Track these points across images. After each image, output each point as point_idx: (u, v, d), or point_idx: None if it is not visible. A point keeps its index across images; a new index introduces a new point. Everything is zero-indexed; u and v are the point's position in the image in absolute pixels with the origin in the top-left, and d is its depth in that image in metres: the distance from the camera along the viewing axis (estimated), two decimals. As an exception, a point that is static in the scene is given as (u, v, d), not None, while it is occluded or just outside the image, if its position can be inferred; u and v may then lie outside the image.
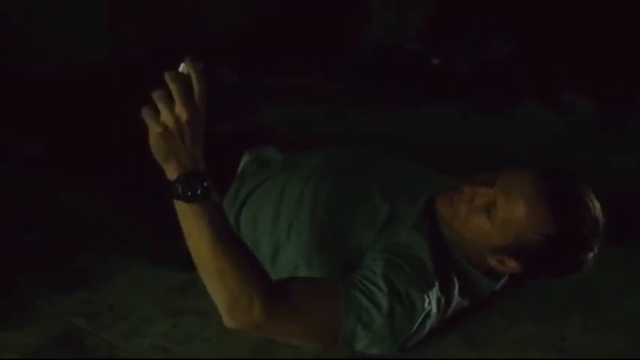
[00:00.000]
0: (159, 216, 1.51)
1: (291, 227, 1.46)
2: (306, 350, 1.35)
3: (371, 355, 1.32)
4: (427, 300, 1.31)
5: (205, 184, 1.19)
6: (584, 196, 1.32)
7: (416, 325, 1.31)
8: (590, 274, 1.37)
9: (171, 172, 1.19)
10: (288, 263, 1.44)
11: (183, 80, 1.17)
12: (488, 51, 2.84)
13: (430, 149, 2.05)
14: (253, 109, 2.23)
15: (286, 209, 1.48)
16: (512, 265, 1.36)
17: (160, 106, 1.17)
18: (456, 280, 1.38)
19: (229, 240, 1.23)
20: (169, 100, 1.17)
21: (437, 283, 1.33)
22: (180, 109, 1.17)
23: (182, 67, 1.19)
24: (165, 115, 1.17)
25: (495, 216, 1.32)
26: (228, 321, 1.24)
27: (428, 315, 1.32)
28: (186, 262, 1.28)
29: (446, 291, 1.35)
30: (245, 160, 1.68)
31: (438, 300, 1.34)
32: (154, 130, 1.18)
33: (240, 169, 1.66)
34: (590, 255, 1.34)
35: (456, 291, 1.38)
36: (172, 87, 1.16)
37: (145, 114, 1.18)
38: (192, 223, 1.21)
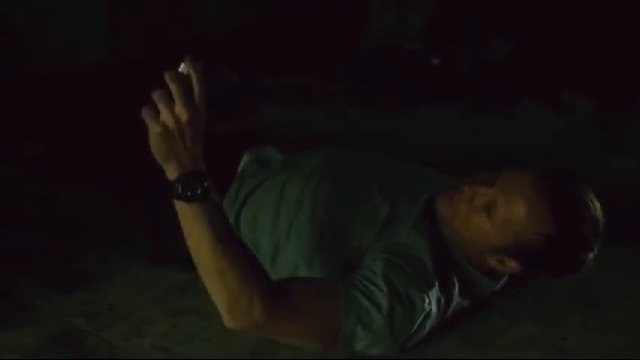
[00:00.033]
0: (159, 216, 1.51)
1: (291, 227, 1.46)
2: (306, 350, 1.35)
3: (371, 355, 1.32)
4: (427, 300, 1.31)
5: (205, 184, 1.19)
6: (584, 196, 1.33)
7: (416, 325, 1.31)
8: (590, 274, 1.37)
9: (172, 172, 1.19)
10: (288, 263, 1.44)
11: (184, 80, 1.17)
12: (488, 51, 2.84)
13: (430, 149, 2.05)
14: (253, 109, 2.23)
15: (286, 209, 1.48)
16: (512, 265, 1.36)
17: (160, 106, 1.17)
18: (456, 280, 1.38)
19: (229, 240, 1.23)
20: (169, 100, 1.17)
21: (437, 283, 1.33)
22: (180, 109, 1.17)
23: (182, 67, 1.19)
24: (165, 115, 1.17)
25: (495, 216, 1.32)
26: (228, 321, 1.24)
27: (428, 315, 1.32)
28: (186, 262, 1.28)
29: (446, 291, 1.35)
30: (245, 160, 1.68)
31: (438, 300, 1.34)
32: (154, 130, 1.18)
33: (240, 169, 1.66)
34: (590, 255, 1.34)
35: (456, 291, 1.38)
36: (172, 87, 1.16)
37: (145, 114, 1.18)
38: (192, 223, 1.21)
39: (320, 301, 1.28)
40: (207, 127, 1.21)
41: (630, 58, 2.66)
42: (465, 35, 2.88)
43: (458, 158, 2.03)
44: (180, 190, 1.18)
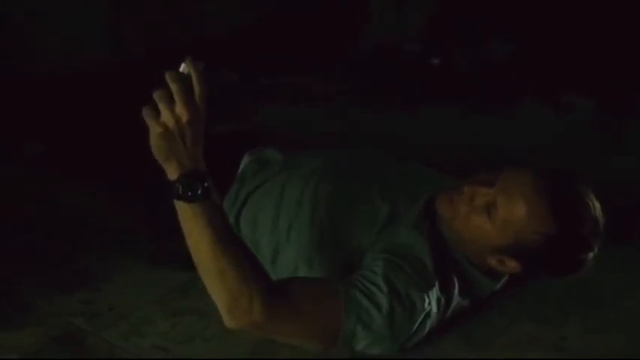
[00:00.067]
0: (159, 216, 1.51)
1: (291, 228, 1.46)
2: (306, 350, 1.35)
3: (371, 355, 1.32)
4: (427, 300, 1.31)
5: (206, 184, 1.19)
6: (584, 196, 1.33)
7: (416, 325, 1.31)
8: (590, 274, 1.37)
9: (172, 173, 1.19)
10: (288, 264, 1.44)
11: (184, 80, 1.17)
12: (488, 51, 2.84)
13: (430, 149, 2.05)
14: (253, 109, 2.24)
15: (286, 210, 1.48)
16: (513, 265, 1.36)
17: (161, 106, 1.17)
18: (455, 280, 1.38)
19: (229, 240, 1.23)
20: (170, 101, 1.17)
21: (437, 283, 1.33)
22: (180, 110, 1.17)
23: (182, 68, 1.19)
24: (165, 116, 1.17)
25: (495, 216, 1.32)
26: (228, 321, 1.24)
27: (428, 315, 1.32)
28: (186, 262, 1.28)
29: (446, 291, 1.35)
30: (245, 160, 1.67)
31: (438, 300, 1.34)
32: (154, 130, 1.18)
33: (240, 169, 1.66)
34: (590, 255, 1.34)
35: (456, 291, 1.38)
36: (173, 87, 1.16)
37: (146, 114, 1.18)
38: (192, 223, 1.21)
39: (320, 301, 1.28)
40: (208, 127, 1.21)
41: (630, 58, 2.66)
42: (465, 35, 2.88)
43: (458, 158, 2.03)
44: (180, 190, 1.18)
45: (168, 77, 1.17)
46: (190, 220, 1.21)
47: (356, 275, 1.32)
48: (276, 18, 2.84)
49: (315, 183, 1.49)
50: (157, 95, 1.17)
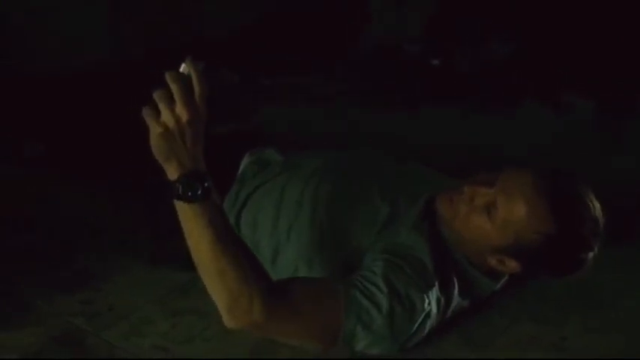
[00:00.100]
0: (159, 216, 1.51)
1: (291, 228, 1.46)
2: (306, 350, 1.35)
3: (371, 355, 1.32)
4: (427, 300, 1.31)
5: (206, 184, 1.19)
6: (584, 196, 1.33)
7: (416, 325, 1.31)
8: (590, 274, 1.37)
9: (172, 173, 1.19)
10: (288, 264, 1.44)
11: (184, 80, 1.17)
12: (488, 51, 2.84)
13: (430, 149, 2.06)
14: (253, 109, 2.24)
15: (286, 210, 1.48)
16: (512, 265, 1.36)
17: (161, 106, 1.17)
18: (455, 280, 1.38)
19: (229, 240, 1.23)
20: (170, 101, 1.17)
21: (437, 284, 1.33)
22: (180, 110, 1.17)
23: (183, 68, 1.20)
24: (165, 116, 1.17)
25: (495, 216, 1.32)
26: (228, 321, 1.24)
27: (428, 315, 1.32)
28: (186, 262, 1.28)
29: (446, 291, 1.35)
30: (245, 161, 1.67)
31: (438, 300, 1.34)
32: (154, 130, 1.18)
33: (240, 170, 1.66)
34: (590, 255, 1.34)
35: (456, 291, 1.38)
36: (173, 87, 1.16)
37: (146, 114, 1.18)
38: (192, 224, 1.21)
39: (320, 301, 1.28)
40: (208, 127, 1.21)
41: (630, 59, 2.66)
42: (465, 35, 2.88)
43: (458, 158, 2.03)
44: (180, 191, 1.18)
45: (168, 77, 1.17)
46: (190, 221, 1.21)
47: (356, 275, 1.32)
48: (276, 18, 2.84)
49: (315, 184, 1.49)
50: (157, 95, 1.17)
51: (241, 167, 1.67)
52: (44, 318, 1.43)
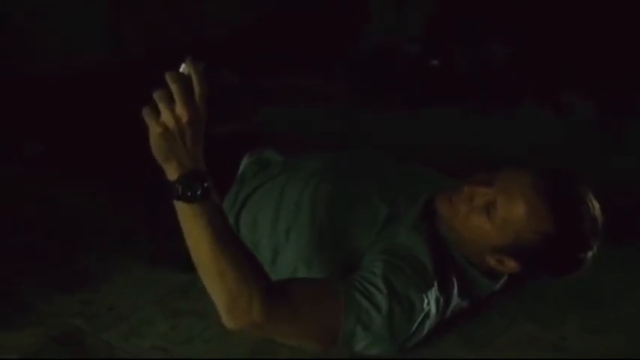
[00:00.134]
0: (159, 216, 1.51)
1: (290, 229, 1.46)
2: (306, 350, 1.35)
3: (370, 356, 1.32)
4: (426, 300, 1.31)
5: (205, 184, 1.19)
6: (583, 196, 1.33)
7: (415, 325, 1.31)
8: (589, 274, 1.38)
9: (172, 173, 1.19)
10: (287, 265, 1.44)
11: (184, 81, 1.18)
12: (488, 51, 2.84)
13: (430, 149, 2.05)
14: (253, 110, 2.24)
15: (285, 211, 1.48)
16: (512, 264, 1.36)
17: (161, 106, 1.17)
18: (455, 280, 1.38)
19: (229, 240, 1.23)
20: (170, 101, 1.17)
21: (436, 284, 1.33)
22: (180, 110, 1.17)
23: (183, 68, 1.20)
24: (165, 116, 1.17)
25: (495, 216, 1.33)
26: (227, 321, 1.24)
27: (427, 315, 1.32)
28: (186, 262, 1.28)
29: (445, 291, 1.35)
30: (245, 162, 1.67)
31: (437, 300, 1.34)
32: (154, 130, 1.18)
33: (240, 171, 1.66)
34: (589, 254, 1.34)
35: (455, 291, 1.38)
36: (173, 87, 1.17)
37: (146, 114, 1.18)
38: (192, 224, 1.21)
39: (319, 301, 1.28)
40: (208, 128, 1.21)
41: (630, 59, 2.66)
42: (465, 35, 2.88)
43: (458, 159, 2.03)
44: (180, 191, 1.18)
45: (168, 77, 1.17)
46: (190, 221, 1.21)
47: (355, 276, 1.32)
48: (276, 18, 2.84)
49: (314, 184, 1.49)
50: (157, 95, 1.17)
51: (241, 168, 1.67)
52: (44, 318, 1.43)
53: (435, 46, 2.89)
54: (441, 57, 2.83)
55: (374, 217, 1.43)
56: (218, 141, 1.46)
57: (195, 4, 2.71)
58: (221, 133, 1.69)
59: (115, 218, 1.72)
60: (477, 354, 1.40)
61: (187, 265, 1.27)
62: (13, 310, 1.45)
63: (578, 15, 2.73)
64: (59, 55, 2.33)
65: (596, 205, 1.33)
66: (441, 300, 1.34)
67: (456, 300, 1.38)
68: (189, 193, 1.18)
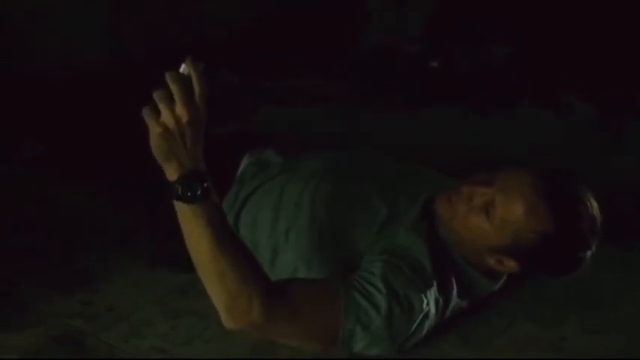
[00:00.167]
0: (159, 216, 1.51)
1: (289, 229, 1.46)
2: (306, 350, 1.35)
3: (370, 356, 1.33)
4: (425, 301, 1.31)
5: (205, 184, 1.19)
6: (582, 196, 1.33)
7: (414, 325, 1.31)
8: (588, 274, 1.38)
9: (172, 173, 1.19)
10: (287, 265, 1.44)
11: (184, 81, 1.18)
12: (488, 51, 2.84)
13: (430, 150, 2.06)
14: (253, 110, 2.24)
15: (285, 212, 1.48)
16: (511, 264, 1.36)
17: (161, 106, 1.17)
18: (454, 280, 1.38)
19: (229, 241, 1.23)
20: (170, 101, 1.17)
21: (435, 284, 1.33)
22: (180, 110, 1.17)
23: (183, 68, 1.20)
24: (165, 116, 1.17)
25: (494, 216, 1.33)
26: (227, 321, 1.25)
27: (426, 316, 1.32)
28: (185, 262, 1.28)
29: (444, 292, 1.36)
30: (245, 162, 1.67)
31: (437, 301, 1.34)
32: (154, 130, 1.18)
33: (239, 171, 1.66)
34: (589, 254, 1.34)
35: (455, 292, 1.38)
36: (173, 87, 1.17)
37: (146, 114, 1.18)
38: (192, 224, 1.21)
39: (319, 301, 1.28)
40: (208, 128, 1.21)
41: (630, 59, 2.66)
42: (465, 35, 2.88)
43: (458, 159, 2.03)
44: (180, 191, 1.18)
45: (168, 78, 1.17)
46: (190, 221, 1.21)
47: (355, 276, 1.32)
48: (276, 18, 2.84)
49: (314, 184, 1.49)
50: (157, 95, 1.17)
51: (240, 168, 1.67)
52: (44, 318, 1.43)
53: (435, 46, 2.89)
54: (441, 57, 2.83)
55: (373, 218, 1.43)
56: (218, 141, 1.46)
57: (195, 4, 2.71)
58: (221, 133, 1.69)
59: (115, 218, 1.72)
60: (477, 354, 1.40)
61: (187, 265, 1.27)
62: (13, 310, 1.45)
63: (577, 15, 2.73)
64: (59, 55, 2.33)
65: (595, 204, 1.33)
66: (441, 300, 1.35)
67: (455, 300, 1.38)
68: (189, 194, 1.18)
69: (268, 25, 2.80)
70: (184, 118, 1.17)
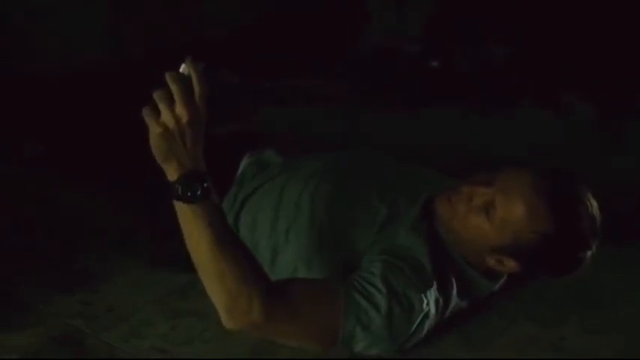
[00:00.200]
0: (159, 216, 1.51)
1: (289, 229, 1.46)
2: (306, 350, 1.35)
3: (370, 356, 1.33)
4: (425, 301, 1.31)
5: (205, 184, 1.19)
6: (582, 196, 1.33)
7: (414, 325, 1.31)
8: (589, 274, 1.38)
9: (172, 173, 1.19)
10: (287, 265, 1.44)
11: (184, 81, 1.18)
12: (488, 51, 2.84)
13: (430, 150, 2.06)
14: (253, 110, 2.24)
15: (285, 212, 1.48)
16: (511, 264, 1.36)
17: (161, 106, 1.17)
18: (454, 280, 1.38)
19: (229, 241, 1.23)
20: (170, 101, 1.17)
21: (435, 284, 1.33)
22: (180, 110, 1.17)
23: (183, 68, 1.20)
24: (165, 116, 1.17)
25: (494, 216, 1.33)
26: (226, 321, 1.25)
27: (426, 316, 1.32)
28: (185, 263, 1.28)
29: (444, 292, 1.36)
30: (245, 162, 1.67)
31: (437, 301, 1.34)
32: (154, 130, 1.18)
33: (239, 171, 1.66)
34: (589, 254, 1.34)
35: (455, 292, 1.38)
36: (173, 87, 1.17)
37: (146, 114, 1.18)
38: (191, 224, 1.21)
39: (319, 302, 1.28)
40: (208, 128, 1.21)
41: (630, 59, 2.66)
42: (465, 35, 2.88)
43: (458, 159, 2.03)
44: (180, 191, 1.18)
45: (168, 78, 1.17)
46: (190, 221, 1.21)
47: (355, 276, 1.32)
48: (276, 18, 2.84)
49: (314, 185, 1.49)
50: (157, 95, 1.18)
51: (240, 168, 1.67)
52: (44, 318, 1.43)
53: (435, 46, 2.89)
54: (441, 57, 2.83)
55: (373, 218, 1.43)
56: (218, 141, 1.46)
57: (195, 4, 2.71)
58: (221, 133, 1.69)
59: (115, 218, 1.72)
60: (477, 354, 1.40)
61: (187, 265, 1.28)
62: (13, 310, 1.45)
63: (577, 15, 2.73)
64: (59, 55, 2.33)
65: (595, 204, 1.33)
66: (441, 300, 1.35)
67: (455, 300, 1.38)
68: (189, 194, 1.19)
69: (268, 25, 2.80)
70: (184, 118, 1.17)
